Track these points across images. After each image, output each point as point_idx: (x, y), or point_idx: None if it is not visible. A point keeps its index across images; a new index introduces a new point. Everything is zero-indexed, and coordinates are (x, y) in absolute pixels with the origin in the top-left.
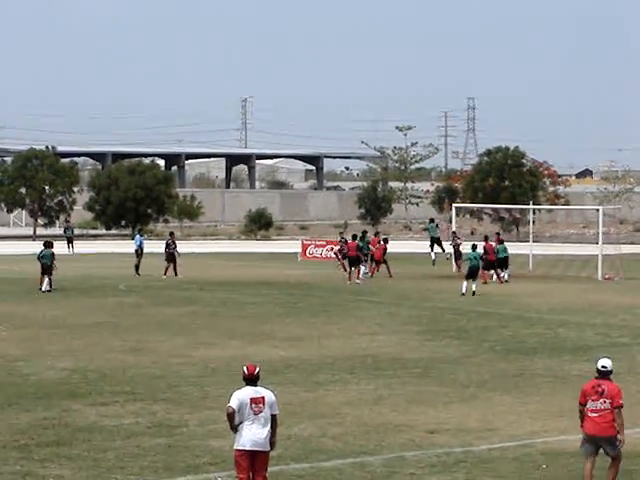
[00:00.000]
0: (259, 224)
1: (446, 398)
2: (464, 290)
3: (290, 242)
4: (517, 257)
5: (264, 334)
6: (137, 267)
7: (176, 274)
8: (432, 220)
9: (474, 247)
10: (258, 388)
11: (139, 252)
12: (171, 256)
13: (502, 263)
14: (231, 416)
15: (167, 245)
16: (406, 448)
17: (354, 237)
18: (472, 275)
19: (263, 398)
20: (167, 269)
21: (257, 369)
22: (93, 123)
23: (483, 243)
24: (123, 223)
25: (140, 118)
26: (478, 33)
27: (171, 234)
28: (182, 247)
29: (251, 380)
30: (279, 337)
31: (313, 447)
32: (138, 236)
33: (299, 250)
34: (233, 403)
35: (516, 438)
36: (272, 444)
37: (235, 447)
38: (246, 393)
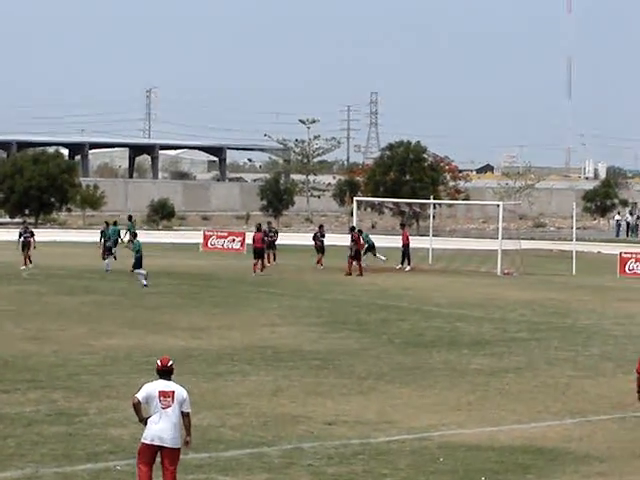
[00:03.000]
0: (161, 214)
1: (344, 390)
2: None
3: (192, 233)
4: (417, 251)
5: (165, 324)
6: None
7: (26, 263)
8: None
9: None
10: (170, 382)
11: None
12: (26, 244)
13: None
14: (136, 407)
15: (20, 234)
16: (304, 439)
17: (258, 228)
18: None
19: (173, 392)
20: (26, 258)
21: (170, 362)
22: None
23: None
24: (27, 212)
25: (44, 107)
26: (382, 27)
27: (24, 222)
28: (85, 236)
29: (164, 373)
30: (180, 327)
31: (212, 437)
32: None
33: (201, 241)
34: (140, 394)
35: (414, 431)
36: (187, 443)
37: (141, 440)
38: (156, 386)
